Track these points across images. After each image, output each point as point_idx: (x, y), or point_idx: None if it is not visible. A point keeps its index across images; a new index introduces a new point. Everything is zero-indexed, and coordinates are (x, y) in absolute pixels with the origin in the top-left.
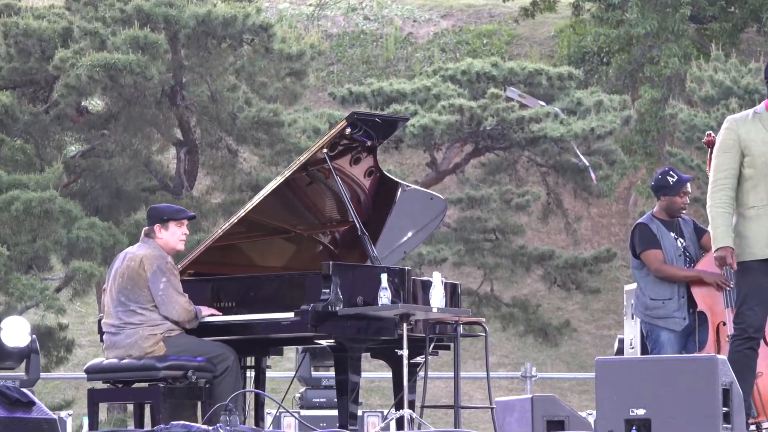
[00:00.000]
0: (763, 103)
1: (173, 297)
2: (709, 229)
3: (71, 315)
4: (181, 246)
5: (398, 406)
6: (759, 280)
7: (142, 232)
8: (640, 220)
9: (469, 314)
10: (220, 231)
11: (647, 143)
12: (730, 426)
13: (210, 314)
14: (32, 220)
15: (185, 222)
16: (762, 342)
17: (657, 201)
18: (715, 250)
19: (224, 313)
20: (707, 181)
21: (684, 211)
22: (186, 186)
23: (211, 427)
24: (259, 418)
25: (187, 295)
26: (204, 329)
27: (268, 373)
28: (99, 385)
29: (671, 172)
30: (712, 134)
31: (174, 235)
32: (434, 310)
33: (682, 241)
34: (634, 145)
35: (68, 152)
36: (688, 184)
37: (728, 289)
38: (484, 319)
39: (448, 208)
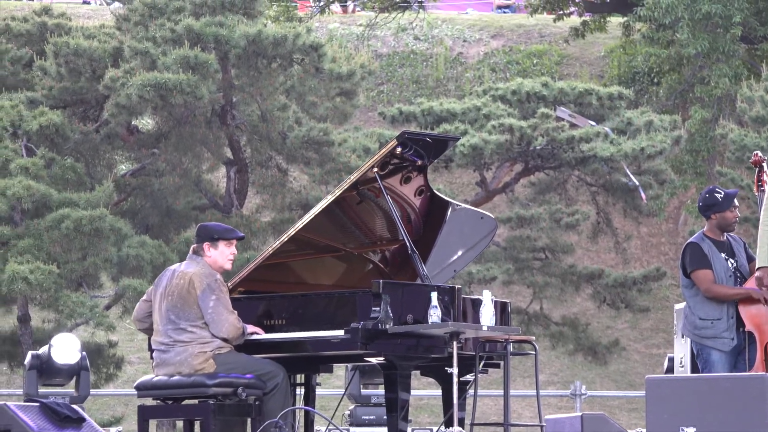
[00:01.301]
0: None
1: (223, 315)
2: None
3: (121, 332)
4: (228, 265)
5: (448, 423)
6: None
7: (191, 249)
8: (691, 240)
9: (518, 333)
10: (270, 249)
11: (697, 163)
12: None
13: (253, 332)
14: (82, 238)
15: (234, 242)
16: None
17: (707, 220)
18: (758, 269)
19: (274, 331)
20: (756, 201)
21: (736, 225)
22: (236, 205)
23: None
24: None
25: (236, 312)
26: (254, 346)
27: (318, 391)
28: (149, 401)
29: (717, 189)
30: (759, 154)
31: (223, 254)
32: (484, 328)
33: (732, 261)
34: (684, 165)
35: (118, 171)
36: (735, 199)
37: None
38: (533, 338)
39: (498, 227)
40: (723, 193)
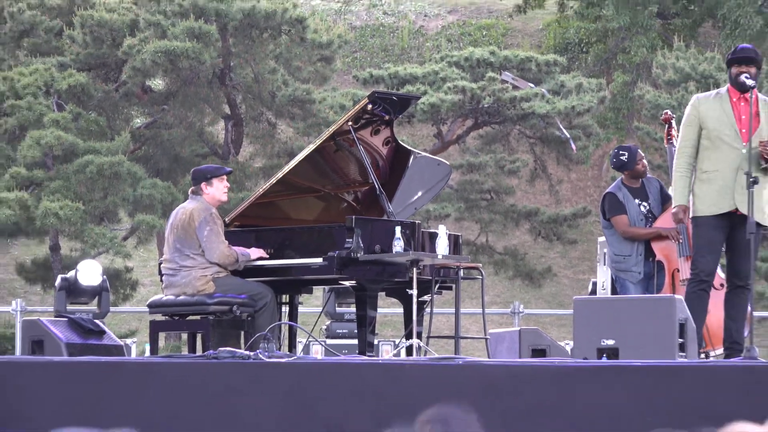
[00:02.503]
0: (726, 86)
1: (214, 243)
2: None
3: (136, 259)
4: (224, 197)
5: (408, 336)
6: (709, 233)
7: (190, 191)
8: (609, 189)
9: (468, 261)
10: (261, 190)
11: (619, 119)
12: (684, 354)
13: (258, 257)
14: (104, 180)
15: (225, 177)
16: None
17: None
18: (673, 207)
19: (264, 259)
20: (667, 152)
21: (647, 172)
22: (232, 153)
23: (252, 353)
24: (291, 346)
25: (227, 242)
26: (247, 271)
27: (300, 309)
28: (159, 317)
29: (621, 151)
30: (669, 112)
31: (218, 189)
32: (439, 256)
33: (645, 204)
34: (607, 121)
35: (134, 124)
36: (639, 151)
37: (680, 241)
38: (480, 265)
39: (452, 172)
40: (627, 153)
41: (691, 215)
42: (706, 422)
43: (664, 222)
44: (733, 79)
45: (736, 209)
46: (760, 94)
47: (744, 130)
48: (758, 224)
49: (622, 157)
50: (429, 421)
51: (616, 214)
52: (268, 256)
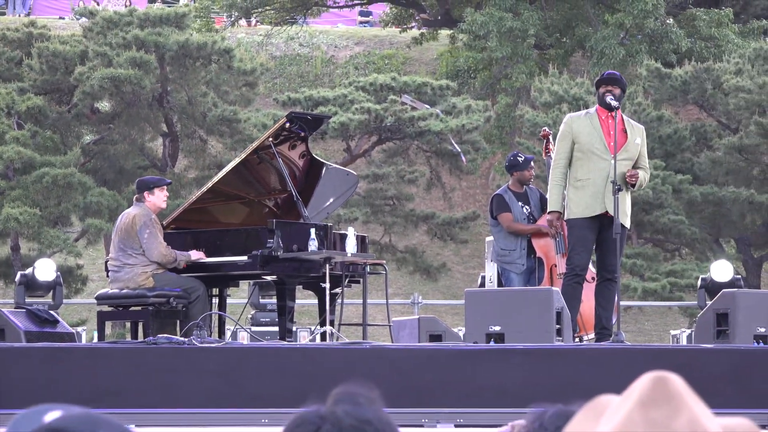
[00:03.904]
0: (594, 107)
1: (153, 244)
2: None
3: (86, 258)
4: (164, 205)
5: (322, 324)
6: (582, 233)
7: (134, 198)
8: (496, 192)
9: (373, 258)
10: (194, 197)
11: (502, 136)
12: (561, 338)
13: (198, 257)
14: (58, 189)
15: (165, 187)
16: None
17: (510, 176)
18: (548, 213)
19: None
20: (545, 164)
21: (531, 181)
22: (169, 165)
23: (186, 339)
24: (221, 333)
25: (165, 243)
26: (182, 268)
27: (228, 300)
28: (105, 308)
29: (519, 154)
30: (546, 129)
31: (159, 198)
32: (349, 254)
33: (527, 207)
34: (493, 137)
35: (84, 140)
36: (532, 162)
37: (557, 239)
38: (384, 261)
39: (359, 181)
40: (523, 157)
41: (566, 218)
42: (578, 396)
43: (544, 221)
44: (600, 99)
45: (606, 212)
46: (624, 115)
47: (612, 143)
48: (622, 225)
49: (519, 158)
50: (338, 396)
51: (502, 211)
52: (206, 257)
